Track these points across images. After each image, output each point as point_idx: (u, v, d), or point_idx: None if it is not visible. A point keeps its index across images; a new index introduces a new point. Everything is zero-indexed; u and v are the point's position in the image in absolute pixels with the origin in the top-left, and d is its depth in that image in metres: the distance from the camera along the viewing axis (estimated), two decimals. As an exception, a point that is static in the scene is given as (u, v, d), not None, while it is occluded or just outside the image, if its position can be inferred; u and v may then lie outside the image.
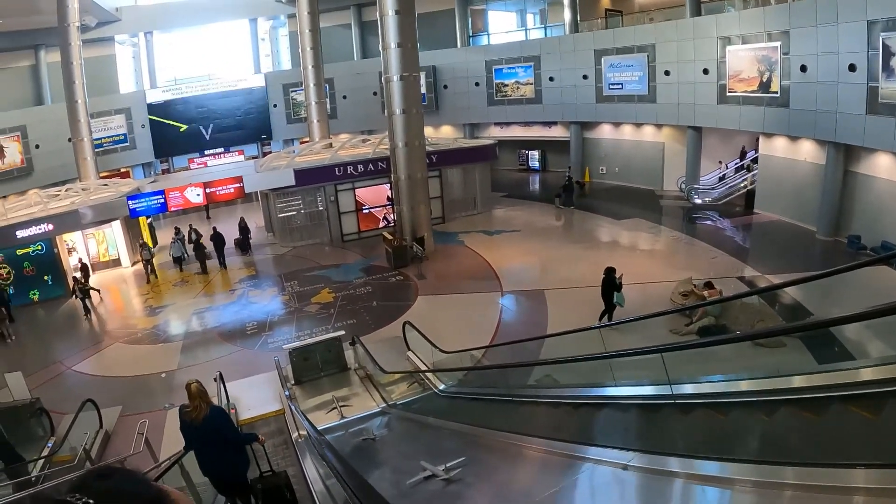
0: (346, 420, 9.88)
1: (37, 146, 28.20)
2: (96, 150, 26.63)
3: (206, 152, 33.59)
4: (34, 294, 19.49)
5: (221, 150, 33.88)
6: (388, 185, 21.89)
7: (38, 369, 14.40)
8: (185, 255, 20.93)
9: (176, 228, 22.30)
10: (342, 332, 12.68)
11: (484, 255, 18.67)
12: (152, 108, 32.00)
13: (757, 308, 11.57)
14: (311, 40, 27.42)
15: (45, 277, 19.60)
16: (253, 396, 11.69)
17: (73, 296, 17.63)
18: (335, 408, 10.47)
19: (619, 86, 24.59)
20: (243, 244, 21.83)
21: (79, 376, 14.22)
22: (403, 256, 18.81)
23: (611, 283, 12.51)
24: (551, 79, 27.05)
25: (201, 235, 21.37)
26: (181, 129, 32.69)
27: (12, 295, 18.82)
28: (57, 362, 14.90)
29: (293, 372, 12.04)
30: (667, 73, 22.60)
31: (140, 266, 21.00)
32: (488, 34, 32.35)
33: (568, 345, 6.77)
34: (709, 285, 13.07)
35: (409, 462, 5.82)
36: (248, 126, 33.82)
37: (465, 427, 6.36)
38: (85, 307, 17.68)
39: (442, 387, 9.49)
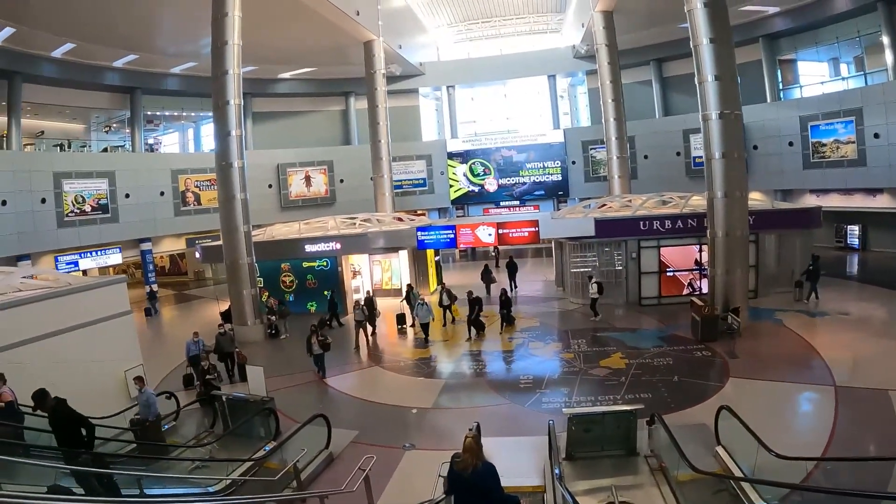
0: (624, 523, 7.65)
1: (341, 180, 31.80)
2: (396, 190, 28.26)
3: (502, 204, 33.48)
4: (311, 305, 20.19)
5: (517, 202, 33.46)
6: (698, 246, 18.48)
7: (292, 372, 14.20)
8: (367, 323, 16.98)
9: (367, 293, 19.71)
10: (640, 406, 9.71)
11: (808, 339, 14.41)
12: (452, 157, 33.33)
13: None
14: (613, 92, 26.17)
15: (325, 292, 19.96)
16: (509, 461, 9.20)
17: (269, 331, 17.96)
18: (612, 503, 8.18)
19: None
20: (507, 317, 17.98)
21: (327, 389, 13.36)
22: (713, 329, 15.10)
23: None
24: (876, 135, 22.11)
25: (455, 298, 18.37)
26: (480, 180, 33.34)
27: (291, 302, 19.75)
28: (311, 370, 14.30)
29: (567, 442, 9.43)
30: None
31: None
32: (800, 86, 27.37)
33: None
34: None
35: None
36: (545, 181, 33.17)
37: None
38: (273, 329, 17.92)
39: (762, 504, 7.09)
